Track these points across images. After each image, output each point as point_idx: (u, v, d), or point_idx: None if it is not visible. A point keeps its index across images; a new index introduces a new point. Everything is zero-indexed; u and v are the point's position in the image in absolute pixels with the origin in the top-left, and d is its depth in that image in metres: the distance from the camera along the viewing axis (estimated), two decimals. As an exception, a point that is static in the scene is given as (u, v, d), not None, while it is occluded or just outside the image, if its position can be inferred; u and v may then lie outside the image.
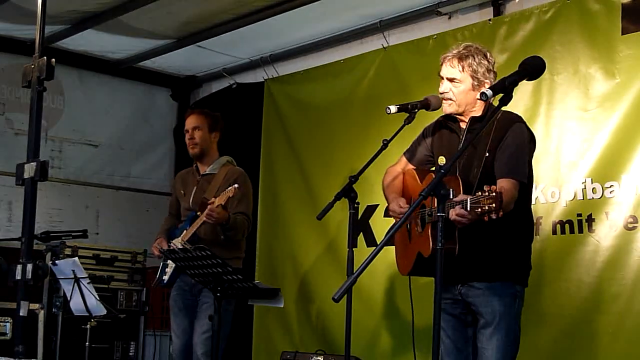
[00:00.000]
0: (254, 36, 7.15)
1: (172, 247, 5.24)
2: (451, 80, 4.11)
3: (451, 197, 3.74)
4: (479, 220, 3.65)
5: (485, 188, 3.52)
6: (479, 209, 3.51)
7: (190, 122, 5.70)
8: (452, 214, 3.72)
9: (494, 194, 3.48)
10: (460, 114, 4.17)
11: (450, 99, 4.13)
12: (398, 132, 4.35)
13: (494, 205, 3.47)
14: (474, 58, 4.09)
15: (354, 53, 6.96)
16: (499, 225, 3.88)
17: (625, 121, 5.08)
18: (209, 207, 5.22)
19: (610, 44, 5.20)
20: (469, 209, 3.58)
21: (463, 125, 4.18)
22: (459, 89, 4.10)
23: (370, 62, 6.75)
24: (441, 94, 4.17)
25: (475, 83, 4.08)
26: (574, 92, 5.37)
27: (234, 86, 8.03)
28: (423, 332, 5.47)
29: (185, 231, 5.53)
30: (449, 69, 4.13)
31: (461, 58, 4.09)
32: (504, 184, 3.86)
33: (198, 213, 5.45)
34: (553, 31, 5.52)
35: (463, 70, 4.08)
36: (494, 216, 3.51)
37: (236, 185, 5.20)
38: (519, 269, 4.10)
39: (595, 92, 5.26)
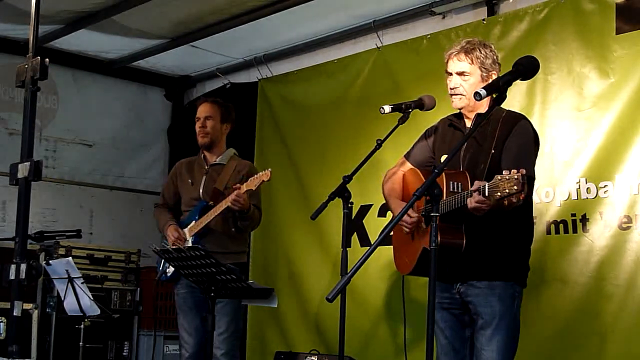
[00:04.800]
0: (248, 36, 7.15)
1: (164, 247, 5.21)
2: (461, 74, 4.08)
3: (444, 197, 3.75)
4: (496, 210, 3.61)
5: (505, 172, 3.44)
6: (499, 193, 3.43)
7: (203, 110, 5.63)
8: (471, 202, 3.65)
9: (515, 176, 3.38)
10: (468, 111, 4.15)
11: (461, 94, 4.10)
12: (392, 131, 4.34)
13: (515, 187, 3.37)
14: (480, 50, 4.08)
15: (348, 53, 6.96)
16: (502, 224, 3.88)
17: (619, 121, 5.08)
18: (236, 192, 5.17)
19: (605, 44, 5.20)
20: (487, 194, 3.52)
21: (468, 123, 4.16)
22: (469, 82, 4.07)
23: (364, 62, 6.74)
24: (451, 89, 4.12)
25: (484, 74, 4.06)
26: (568, 92, 5.37)
27: (228, 86, 8.02)
28: (417, 333, 5.49)
29: (194, 222, 5.47)
30: (457, 63, 4.10)
31: (467, 51, 4.08)
32: None
33: (210, 203, 5.42)
34: (547, 31, 5.52)
35: (472, 63, 4.06)
36: (514, 200, 3.43)
37: (270, 170, 5.16)
38: (520, 270, 4.08)
39: (589, 91, 5.26)
